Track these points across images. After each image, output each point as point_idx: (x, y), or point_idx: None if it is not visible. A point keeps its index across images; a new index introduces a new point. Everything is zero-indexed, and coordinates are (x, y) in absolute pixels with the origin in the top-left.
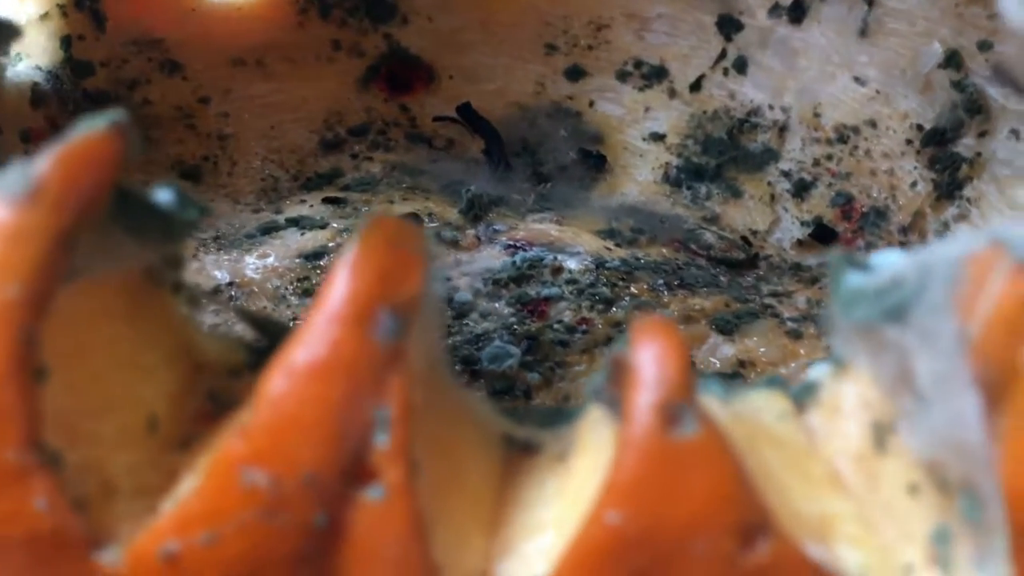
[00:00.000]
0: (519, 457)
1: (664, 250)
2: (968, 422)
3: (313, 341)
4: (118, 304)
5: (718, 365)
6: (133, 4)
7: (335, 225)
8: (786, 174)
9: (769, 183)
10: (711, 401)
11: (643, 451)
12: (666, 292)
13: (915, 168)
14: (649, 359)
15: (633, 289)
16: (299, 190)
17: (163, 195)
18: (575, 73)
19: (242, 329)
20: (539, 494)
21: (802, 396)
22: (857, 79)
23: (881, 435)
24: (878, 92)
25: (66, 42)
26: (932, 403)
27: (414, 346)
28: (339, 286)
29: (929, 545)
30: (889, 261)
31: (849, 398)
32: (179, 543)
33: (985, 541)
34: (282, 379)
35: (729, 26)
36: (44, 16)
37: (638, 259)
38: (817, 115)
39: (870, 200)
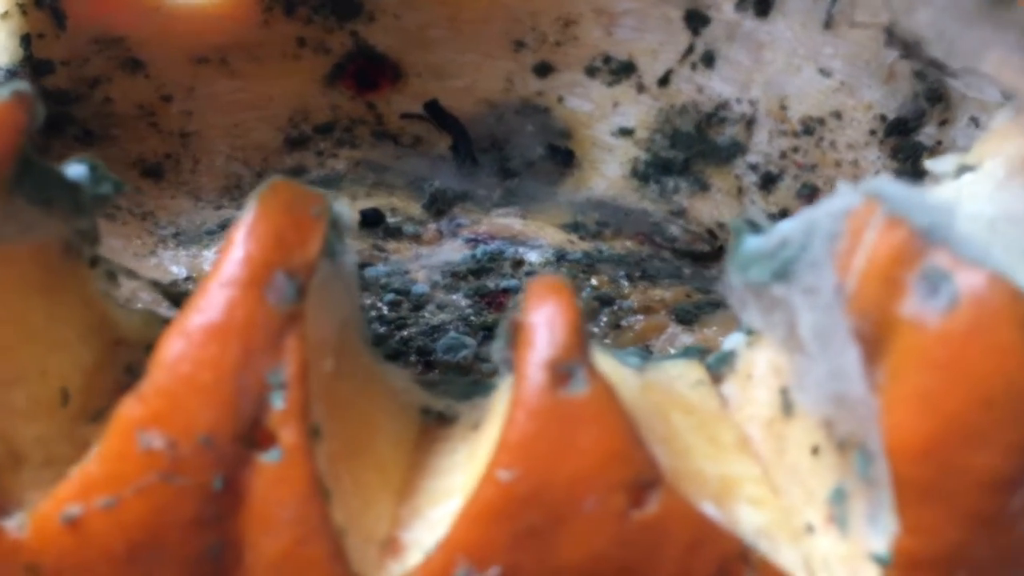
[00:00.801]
0: (435, 427)
1: (629, 243)
2: (849, 376)
3: (208, 305)
4: (33, 276)
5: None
6: (94, 2)
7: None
8: (753, 167)
9: (736, 176)
10: (625, 371)
11: (532, 409)
12: (627, 283)
13: (878, 158)
14: (539, 319)
15: (594, 281)
16: None
17: (75, 169)
18: (543, 69)
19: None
20: (450, 462)
21: (718, 365)
22: (822, 71)
23: (788, 399)
24: (843, 83)
25: (26, 40)
26: (815, 358)
27: (319, 312)
28: (235, 250)
29: (828, 505)
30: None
31: (760, 365)
32: (80, 507)
33: (876, 497)
34: (177, 342)
35: (696, 20)
36: (4, 15)
37: (601, 252)
38: (784, 108)
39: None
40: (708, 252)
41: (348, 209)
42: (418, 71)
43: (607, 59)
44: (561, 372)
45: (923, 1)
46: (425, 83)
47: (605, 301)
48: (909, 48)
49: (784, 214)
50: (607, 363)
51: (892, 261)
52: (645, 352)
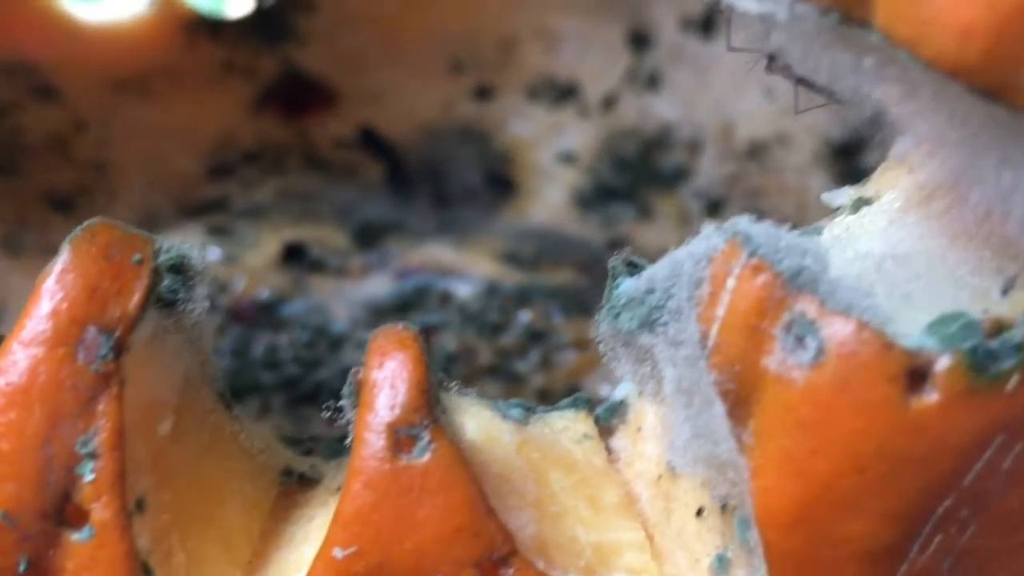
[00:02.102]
0: (296, 490)
1: (567, 273)
2: (717, 435)
3: (8, 365)
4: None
5: (606, 393)
6: (4, 27)
7: (211, 257)
8: (698, 193)
9: (681, 202)
10: (502, 426)
11: (370, 479)
12: (561, 317)
13: (824, 182)
14: (381, 377)
15: (525, 315)
16: (181, 220)
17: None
18: (483, 92)
19: None
20: (306, 530)
21: (608, 416)
22: (767, 93)
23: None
24: (787, 106)
25: None
26: (680, 416)
27: (150, 369)
28: (40, 303)
29: (710, 573)
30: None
31: (650, 416)
32: None
33: (755, 566)
34: None
35: (640, 42)
36: None
37: (536, 283)
38: (729, 131)
39: (781, 217)
40: None
41: (199, 250)
42: (352, 95)
43: (549, 81)
44: (402, 437)
45: (777, 25)
46: (359, 108)
47: (537, 336)
48: (787, 72)
49: None
50: (482, 417)
51: (755, 310)
52: (530, 404)
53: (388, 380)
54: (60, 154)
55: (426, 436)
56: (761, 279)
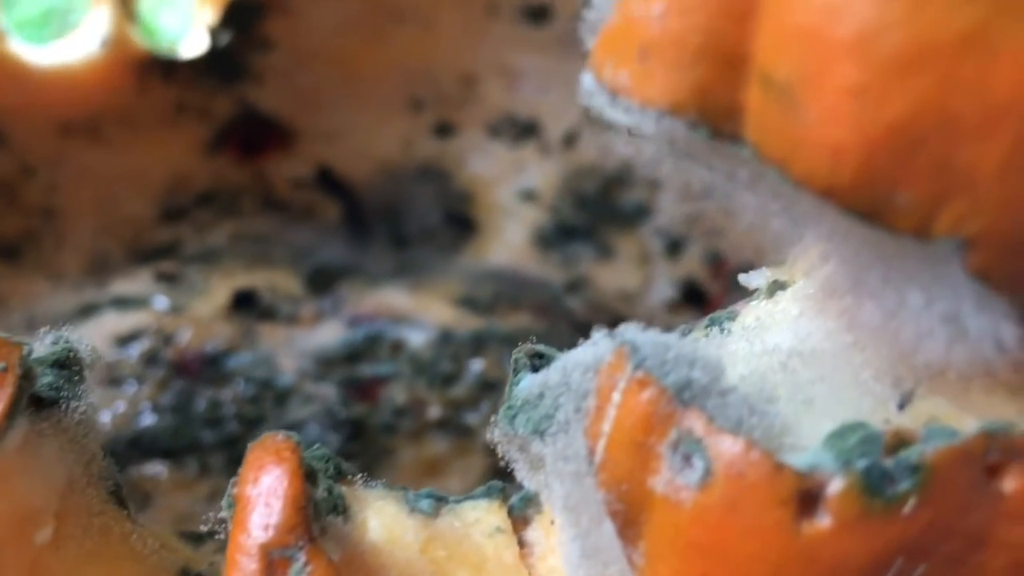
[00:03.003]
0: None
1: (524, 317)
2: (606, 556)
3: None
4: None
5: None
6: None
7: (157, 307)
8: (659, 231)
9: (642, 241)
10: (408, 522)
11: None
12: None
13: (784, 223)
14: (255, 494)
15: (478, 365)
16: (132, 264)
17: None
18: (443, 130)
19: None
20: None
21: (522, 507)
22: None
23: None
24: None
25: None
26: (570, 534)
27: (22, 477)
28: None
29: None
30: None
31: None
32: None
33: None
34: None
35: None
36: None
37: (492, 329)
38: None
39: (740, 257)
40: (605, 327)
41: (87, 345)
42: (310, 134)
43: (510, 119)
44: (276, 559)
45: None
46: (317, 147)
47: (489, 386)
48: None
49: (690, 283)
50: (386, 514)
51: (641, 427)
52: (443, 493)
53: (262, 497)
54: (6, 200)
55: (302, 558)
56: (647, 394)
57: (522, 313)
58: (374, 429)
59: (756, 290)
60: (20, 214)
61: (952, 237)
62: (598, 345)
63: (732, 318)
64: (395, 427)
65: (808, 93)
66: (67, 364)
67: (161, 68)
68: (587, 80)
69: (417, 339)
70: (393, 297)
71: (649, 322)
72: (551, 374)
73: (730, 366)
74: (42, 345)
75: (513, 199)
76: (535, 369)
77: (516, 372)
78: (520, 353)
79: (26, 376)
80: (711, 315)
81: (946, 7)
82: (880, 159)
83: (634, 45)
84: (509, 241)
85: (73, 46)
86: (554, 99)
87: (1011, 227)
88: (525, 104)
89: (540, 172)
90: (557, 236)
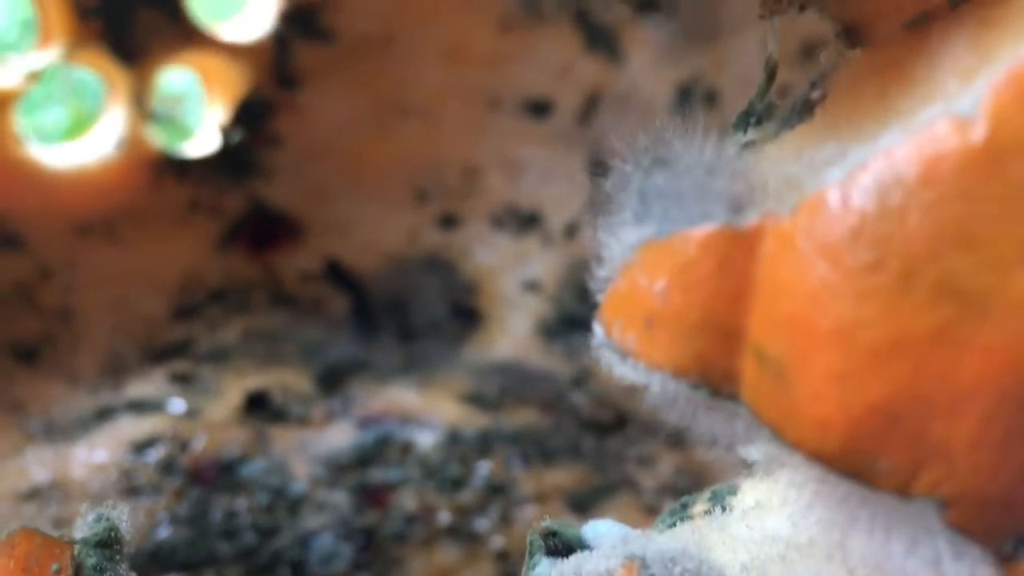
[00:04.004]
0: None
1: (530, 412)
2: None
3: None
4: None
5: None
6: None
7: (172, 410)
8: None
9: None
10: None
11: None
12: (522, 466)
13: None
14: None
15: (488, 465)
16: (146, 364)
17: None
18: (448, 221)
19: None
20: None
21: None
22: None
23: None
24: None
25: None
26: None
27: None
28: None
29: None
30: (598, 532)
31: None
32: None
33: None
34: None
35: (600, 170)
36: None
37: (499, 427)
38: None
39: None
40: (611, 423)
41: (126, 521)
42: (318, 227)
43: (512, 209)
44: None
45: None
46: (325, 239)
47: (497, 490)
48: None
49: None
50: None
51: None
52: None
53: None
54: (25, 303)
55: None
56: None
57: (528, 409)
58: (385, 538)
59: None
60: (38, 316)
61: (930, 496)
62: (608, 558)
63: (733, 492)
64: (405, 535)
65: (797, 374)
66: (109, 543)
67: (175, 167)
68: (598, 334)
69: (426, 441)
70: (401, 394)
71: (652, 417)
72: (567, 568)
73: (731, 552)
74: (85, 523)
75: (517, 289)
76: (549, 551)
77: (532, 554)
78: (535, 534)
79: (77, 573)
80: (713, 488)
81: (917, 307)
82: (862, 433)
83: (640, 313)
84: (514, 332)
85: (89, 148)
86: (555, 191)
87: (983, 489)
88: (527, 196)
89: (542, 262)
90: (560, 327)
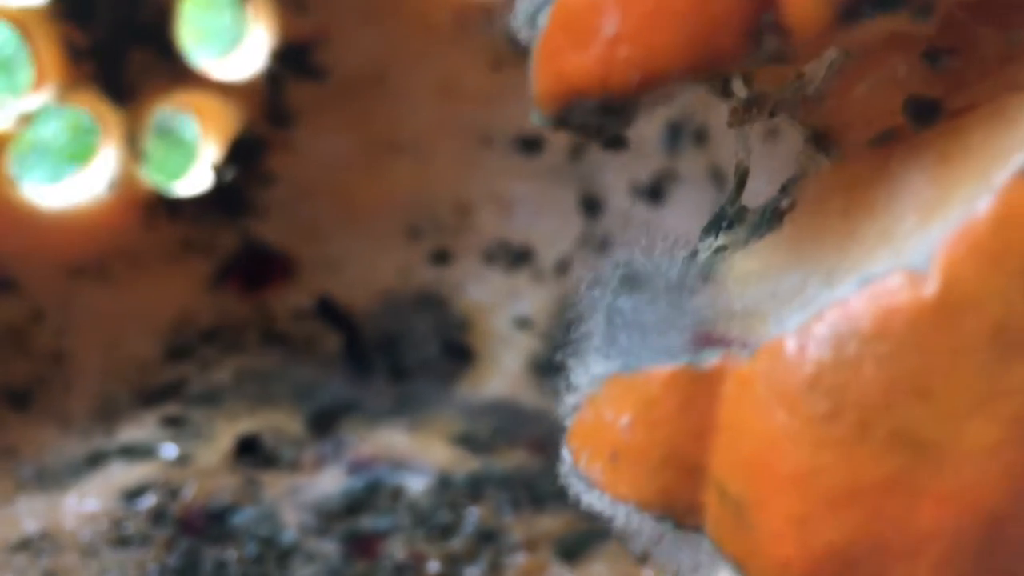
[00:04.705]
0: None
1: (520, 455)
2: None
3: None
4: None
5: None
6: None
7: (164, 455)
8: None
9: None
10: None
11: None
12: (512, 512)
13: None
14: None
15: (475, 513)
16: (138, 406)
17: None
18: (440, 257)
19: None
20: None
21: None
22: None
23: None
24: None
25: None
26: None
27: None
28: None
29: None
30: None
31: None
32: None
33: None
34: None
35: (592, 206)
36: None
37: (490, 470)
38: None
39: None
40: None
41: None
42: (310, 264)
43: (504, 245)
44: None
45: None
46: (318, 277)
47: (487, 537)
48: None
49: None
50: None
51: None
52: None
53: None
54: (17, 347)
55: None
56: None
57: (518, 451)
58: None
59: None
60: (30, 360)
61: None
62: None
63: None
64: None
65: (757, 513)
66: None
67: (167, 206)
68: (566, 460)
69: (416, 486)
70: (392, 437)
71: None
72: None
73: None
74: None
75: (509, 326)
76: None
77: None
78: None
79: None
80: None
81: (873, 456)
82: (822, 574)
83: (606, 446)
84: (506, 369)
85: (82, 188)
86: (546, 227)
87: None
88: (519, 231)
89: (534, 299)
90: (551, 364)
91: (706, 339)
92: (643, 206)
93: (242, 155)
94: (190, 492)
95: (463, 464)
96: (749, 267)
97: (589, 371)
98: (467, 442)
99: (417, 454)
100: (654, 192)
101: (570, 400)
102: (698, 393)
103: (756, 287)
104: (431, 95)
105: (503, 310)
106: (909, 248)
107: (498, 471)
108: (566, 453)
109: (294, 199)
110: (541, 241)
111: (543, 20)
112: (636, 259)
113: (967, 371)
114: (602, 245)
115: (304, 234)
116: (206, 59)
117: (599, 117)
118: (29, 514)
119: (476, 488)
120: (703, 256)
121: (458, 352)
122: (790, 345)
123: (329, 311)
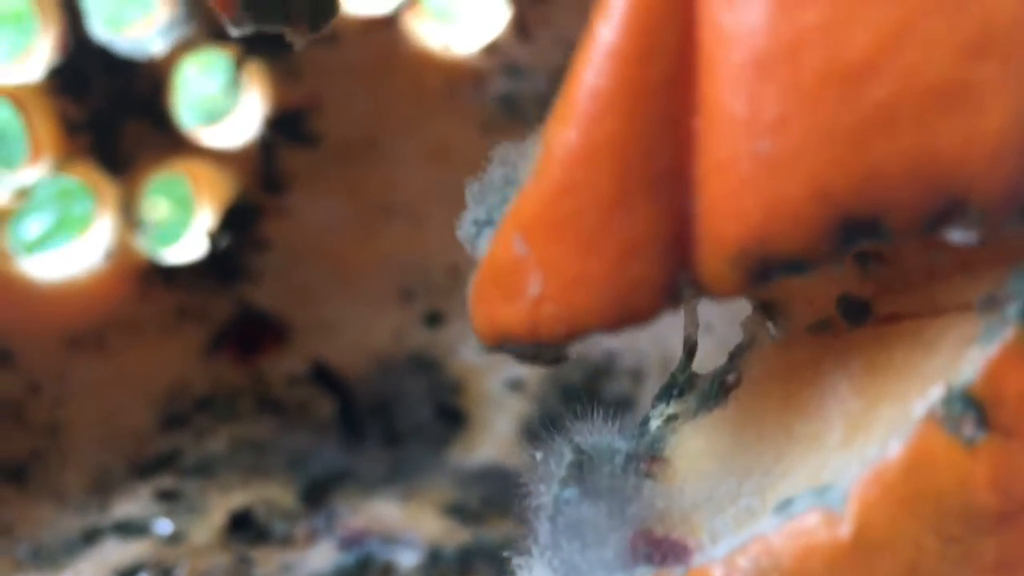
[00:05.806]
0: None
1: (512, 524)
2: None
3: None
4: None
5: None
6: None
7: (158, 531)
8: (643, 422)
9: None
10: None
11: None
12: None
13: None
14: None
15: None
16: (133, 479)
17: None
18: (433, 319)
19: None
20: None
21: None
22: (707, 328)
23: None
24: (723, 340)
25: None
26: None
27: None
28: None
29: None
30: None
31: None
32: None
33: None
34: None
35: None
36: None
37: (480, 542)
38: (670, 361)
39: None
40: None
41: None
42: (305, 329)
43: None
44: None
45: None
46: (312, 341)
47: None
48: None
49: None
50: None
51: None
52: None
53: None
54: (14, 421)
55: None
56: None
57: (509, 520)
58: None
59: None
60: (27, 434)
61: None
62: None
63: None
64: None
65: None
66: None
67: (162, 275)
68: None
69: (407, 561)
70: (384, 508)
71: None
72: None
73: None
74: None
75: (501, 388)
76: None
77: None
78: None
79: None
80: None
81: None
82: None
83: None
84: (498, 433)
85: (78, 259)
86: None
87: None
88: None
89: None
90: (544, 427)
91: (646, 539)
92: None
93: (236, 221)
94: (183, 572)
95: (453, 536)
96: (696, 445)
97: None
98: (458, 512)
99: (408, 527)
100: None
101: None
102: None
103: (696, 484)
104: (423, 159)
105: (495, 372)
106: (830, 471)
107: (488, 542)
108: None
109: (288, 264)
110: None
111: (482, 247)
112: (587, 440)
113: None
114: None
115: (298, 298)
116: (200, 128)
117: (533, 350)
118: None
119: (466, 562)
120: (654, 425)
121: (451, 415)
122: (717, 574)
123: (323, 376)
